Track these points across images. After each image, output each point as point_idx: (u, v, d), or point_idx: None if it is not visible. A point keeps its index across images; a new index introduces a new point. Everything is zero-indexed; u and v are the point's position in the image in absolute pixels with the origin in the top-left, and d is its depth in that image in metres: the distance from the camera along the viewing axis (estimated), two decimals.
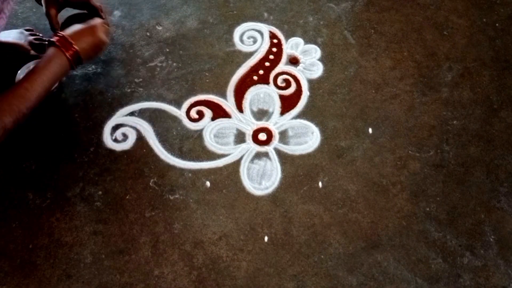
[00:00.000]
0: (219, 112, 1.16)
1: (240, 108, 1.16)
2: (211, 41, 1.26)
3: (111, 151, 1.08)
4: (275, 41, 1.28)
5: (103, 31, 0.99)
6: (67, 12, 1.08)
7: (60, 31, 1.07)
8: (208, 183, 1.06)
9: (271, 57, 1.25)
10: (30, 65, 1.09)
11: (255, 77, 1.21)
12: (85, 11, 1.08)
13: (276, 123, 1.15)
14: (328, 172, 1.09)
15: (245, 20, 1.31)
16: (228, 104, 1.17)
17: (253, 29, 1.29)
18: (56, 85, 1.08)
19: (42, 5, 1.05)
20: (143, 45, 1.24)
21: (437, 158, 1.13)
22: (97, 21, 1.00)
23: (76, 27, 0.97)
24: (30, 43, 1.14)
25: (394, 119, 1.17)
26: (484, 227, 1.05)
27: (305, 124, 1.15)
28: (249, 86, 1.20)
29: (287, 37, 1.28)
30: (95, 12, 1.06)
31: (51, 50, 0.93)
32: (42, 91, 0.89)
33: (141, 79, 1.19)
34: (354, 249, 1.00)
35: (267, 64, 1.23)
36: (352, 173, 1.09)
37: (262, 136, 1.13)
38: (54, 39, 0.93)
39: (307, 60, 1.25)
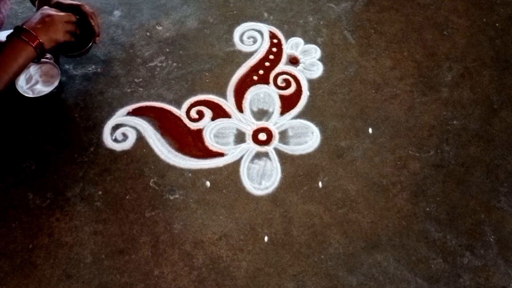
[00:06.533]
0: (219, 112, 1.15)
1: (240, 108, 1.16)
2: (211, 41, 1.26)
3: (111, 151, 1.08)
4: (275, 41, 1.27)
5: (61, 27, 0.98)
6: None
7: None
8: (208, 183, 1.06)
9: (271, 57, 1.25)
10: (30, 65, 1.09)
11: (255, 77, 1.21)
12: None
13: (276, 123, 1.15)
14: (328, 172, 1.09)
15: (245, 20, 1.31)
16: (228, 104, 1.17)
17: (253, 29, 1.29)
18: (57, 85, 1.08)
19: (35, 6, 1.05)
20: (143, 45, 1.24)
21: (437, 158, 1.13)
22: (59, 16, 0.99)
23: (36, 18, 0.97)
24: None
25: (394, 119, 1.17)
26: (484, 227, 1.05)
27: (305, 124, 1.15)
28: (249, 86, 1.20)
29: (287, 37, 1.28)
30: (85, 17, 1.06)
31: (16, 42, 0.94)
32: (8, 81, 0.93)
33: (141, 79, 1.19)
34: (354, 249, 1.00)
35: (267, 64, 1.23)
36: (352, 173, 1.09)
37: (262, 136, 1.13)
38: (20, 33, 0.94)
39: (307, 60, 1.25)
